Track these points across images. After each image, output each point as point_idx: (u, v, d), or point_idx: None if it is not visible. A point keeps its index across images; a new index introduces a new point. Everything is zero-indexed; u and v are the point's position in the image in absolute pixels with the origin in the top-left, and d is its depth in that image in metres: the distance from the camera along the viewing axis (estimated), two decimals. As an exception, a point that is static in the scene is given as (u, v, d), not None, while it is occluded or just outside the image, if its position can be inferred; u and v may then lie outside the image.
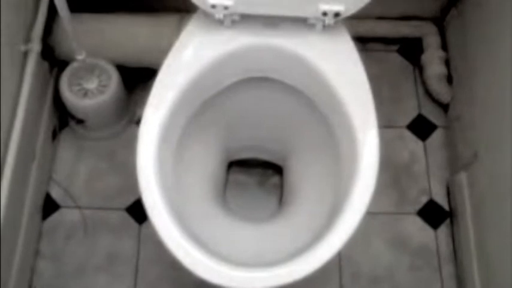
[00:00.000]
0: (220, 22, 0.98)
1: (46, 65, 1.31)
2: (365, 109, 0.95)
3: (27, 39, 1.21)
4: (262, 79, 1.05)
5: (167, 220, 0.84)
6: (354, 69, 0.97)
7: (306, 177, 1.14)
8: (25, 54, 1.20)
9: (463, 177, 1.32)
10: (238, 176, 1.37)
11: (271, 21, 0.99)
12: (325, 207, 0.97)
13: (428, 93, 1.51)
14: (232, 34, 0.98)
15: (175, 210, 0.87)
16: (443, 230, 1.37)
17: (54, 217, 1.33)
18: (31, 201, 1.26)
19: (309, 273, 0.84)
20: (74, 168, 1.38)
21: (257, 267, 0.83)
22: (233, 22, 0.98)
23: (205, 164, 1.13)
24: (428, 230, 1.37)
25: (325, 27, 0.98)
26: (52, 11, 1.26)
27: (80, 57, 1.20)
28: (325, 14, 0.95)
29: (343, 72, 0.97)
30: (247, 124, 1.18)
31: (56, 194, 1.35)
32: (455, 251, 1.34)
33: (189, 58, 0.97)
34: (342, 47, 0.99)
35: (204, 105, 1.03)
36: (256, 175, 1.38)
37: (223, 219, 1.08)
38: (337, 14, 0.95)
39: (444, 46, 1.50)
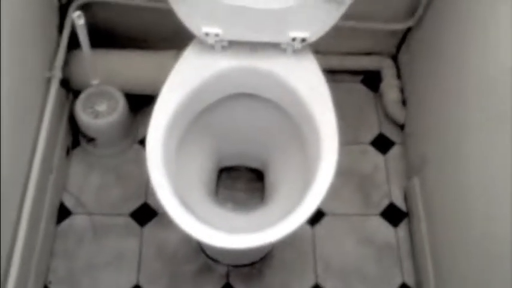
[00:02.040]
0: (212, 47, 1.20)
1: (63, 91, 1.51)
2: (327, 115, 1.16)
3: (50, 68, 1.42)
4: (246, 95, 1.26)
5: (170, 195, 1.04)
6: (318, 83, 1.19)
7: (282, 177, 1.34)
8: (48, 81, 1.40)
9: (415, 181, 1.50)
10: (227, 183, 1.56)
11: (253, 46, 1.21)
12: (295, 196, 1.13)
13: (387, 116, 1.70)
14: (222, 57, 1.21)
15: (177, 194, 1.08)
16: (403, 228, 1.54)
17: (67, 222, 1.49)
18: (48, 208, 1.42)
19: (276, 240, 1.02)
20: (85, 180, 1.56)
21: (236, 232, 1.03)
22: (223, 47, 1.20)
23: (199, 165, 1.34)
24: (389, 229, 1.54)
25: (295, 51, 1.21)
26: (68, 47, 1.47)
27: (95, 82, 1.43)
28: (294, 39, 1.17)
29: (309, 86, 1.18)
30: (233, 133, 1.38)
31: (68, 202, 1.52)
32: (412, 245, 1.50)
33: (187, 76, 1.18)
34: (308, 66, 1.21)
35: (199, 115, 1.24)
36: (242, 182, 1.57)
37: (215, 209, 1.28)
38: (303, 40, 1.18)
39: (399, 76, 1.72)
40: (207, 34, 1.18)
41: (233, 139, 1.41)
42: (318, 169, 1.09)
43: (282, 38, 1.19)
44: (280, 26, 1.17)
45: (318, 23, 1.16)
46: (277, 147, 1.37)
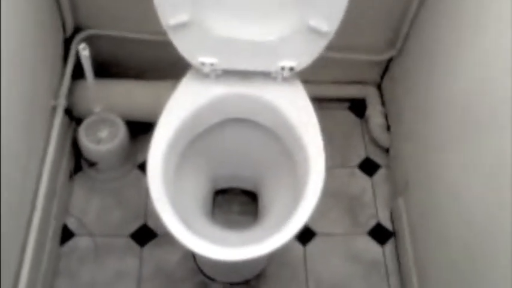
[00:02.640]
0: (207, 75, 1.30)
1: (67, 118, 1.59)
2: (315, 137, 1.24)
3: (56, 97, 1.51)
4: (240, 120, 1.35)
5: (170, 211, 1.12)
6: (305, 108, 1.28)
7: (274, 197, 1.41)
8: (54, 109, 1.49)
9: (400, 202, 1.58)
10: (223, 206, 1.64)
11: (245, 75, 1.30)
12: (286, 215, 1.18)
13: (372, 140, 1.79)
14: (217, 84, 1.30)
15: (176, 211, 1.15)
16: (389, 246, 1.61)
17: (70, 243, 1.56)
18: (52, 229, 1.49)
19: (266, 253, 1.09)
20: (87, 203, 1.63)
21: (232, 246, 1.11)
22: (217, 76, 1.30)
23: (196, 187, 1.41)
24: (376, 247, 1.61)
25: (284, 79, 1.31)
26: (72, 77, 1.57)
27: (97, 110, 1.52)
28: (283, 68, 1.27)
29: (297, 111, 1.28)
30: (228, 157, 1.47)
31: (71, 224, 1.59)
32: (399, 263, 1.57)
33: (184, 102, 1.27)
34: (296, 92, 1.31)
35: (195, 139, 1.33)
36: (237, 204, 1.65)
37: (210, 227, 1.35)
38: (291, 69, 1.28)
39: (383, 103, 1.81)
40: (203, 63, 1.27)
41: (227, 162, 1.50)
42: (306, 187, 1.17)
43: (272, 67, 1.29)
44: (270, 56, 1.27)
45: (304, 53, 1.26)
46: (269, 169, 1.45)
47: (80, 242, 1.57)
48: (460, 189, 1.23)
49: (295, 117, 1.29)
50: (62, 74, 1.55)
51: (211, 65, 1.27)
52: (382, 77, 1.84)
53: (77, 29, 1.60)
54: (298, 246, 1.60)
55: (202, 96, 1.30)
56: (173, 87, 1.31)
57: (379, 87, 1.86)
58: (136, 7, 1.49)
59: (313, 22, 1.20)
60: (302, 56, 1.27)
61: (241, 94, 1.31)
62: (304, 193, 1.17)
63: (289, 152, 1.32)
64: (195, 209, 1.38)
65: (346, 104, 1.89)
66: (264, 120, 1.35)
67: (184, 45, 1.25)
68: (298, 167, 1.28)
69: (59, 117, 1.50)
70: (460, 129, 1.24)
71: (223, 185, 1.60)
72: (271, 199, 1.44)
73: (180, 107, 1.27)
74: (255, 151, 1.45)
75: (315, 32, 1.21)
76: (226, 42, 1.24)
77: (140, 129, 1.67)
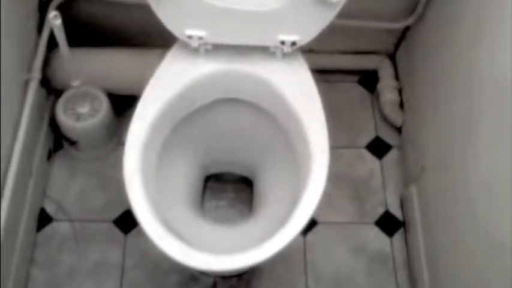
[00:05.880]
0: (196, 50, 1.14)
1: (44, 92, 1.45)
2: (318, 124, 1.10)
3: (29, 69, 1.36)
4: (233, 100, 1.20)
5: (148, 214, 0.98)
6: (308, 89, 1.13)
7: (271, 187, 1.29)
8: (26, 82, 1.35)
9: (413, 189, 1.46)
10: (215, 189, 1.51)
11: (239, 50, 1.15)
12: (284, 210, 1.08)
13: (384, 118, 1.66)
14: (206, 61, 1.15)
15: (157, 209, 1.01)
16: (398, 237, 1.50)
17: (48, 229, 1.45)
18: (27, 214, 1.38)
19: (260, 261, 0.97)
20: (66, 185, 1.51)
21: (223, 253, 0.97)
22: (207, 51, 1.14)
23: (183, 173, 1.28)
24: (384, 238, 1.50)
25: (284, 55, 1.15)
26: (50, 45, 1.42)
27: (75, 83, 1.37)
28: (283, 43, 1.12)
29: (299, 92, 1.13)
30: (221, 140, 1.33)
31: (49, 208, 1.48)
32: (408, 256, 1.47)
33: (170, 80, 1.13)
34: (299, 71, 1.15)
35: (183, 122, 1.18)
36: (229, 191, 1.52)
37: (200, 222, 1.22)
38: (293, 43, 1.12)
39: (397, 76, 1.67)
40: (190, 37, 1.12)
41: (219, 145, 1.36)
42: (308, 178, 1.04)
43: (271, 41, 1.13)
44: (268, 29, 1.11)
45: (308, 25, 1.11)
46: (265, 155, 1.31)
47: (59, 228, 1.46)
48: (485, 177, 1.10)
49: (296, 100, 1.14)
50: (36, 44, 1.40)
51: (200, 38, 1.12)
52: (396, 47, 1.69)
53: (54, -9, 1.44)
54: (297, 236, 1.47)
55: (189, 74, 1.15)
56: (161, 56, 1.18)
57: (392, 58, 1.71)
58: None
59: (320, -11, 1.03)
60: (305, 29, 1.12)
61: (234, 72, 1.16)
62: (307, 185, 1.03)
63: (288, 136, 1.18)
64: (182, 201, 1.25)
65: (356, 77, 1.74)
66: (261, 101, 1.20)
67: (168, 16, 1.10)
68: (298, 153, 1.15)
69: (32, 92, 1.36)
70: (487, 107, 1.10)
71: (215, 170, 1.46)
72: (268, 187, 1.31)
73: (162, 89, 1.12)
74: (250, 134, 1.31)
75: (321, 1, 1.05)
76: (217, 11, 1.08)
77: (125, 104, 1.51)
